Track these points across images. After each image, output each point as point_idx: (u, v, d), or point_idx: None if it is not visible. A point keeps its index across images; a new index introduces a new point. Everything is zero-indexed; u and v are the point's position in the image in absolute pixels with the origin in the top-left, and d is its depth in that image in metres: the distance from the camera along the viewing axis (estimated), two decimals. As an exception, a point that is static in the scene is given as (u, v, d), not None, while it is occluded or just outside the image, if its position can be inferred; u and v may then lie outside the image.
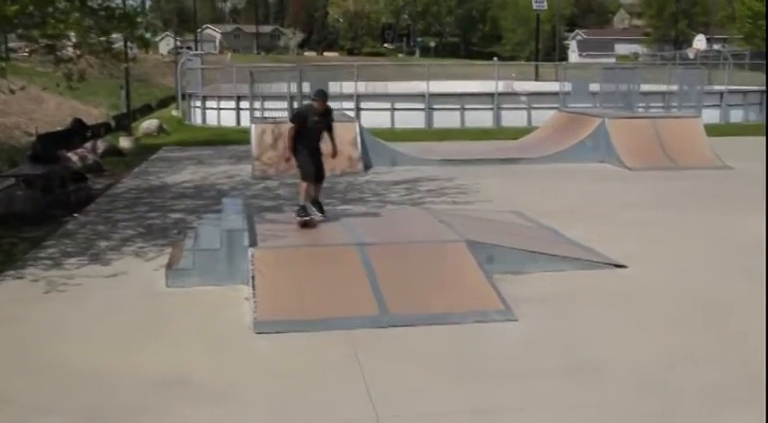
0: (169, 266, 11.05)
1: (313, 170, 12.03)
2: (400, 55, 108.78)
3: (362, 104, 31.24)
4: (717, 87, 34.56)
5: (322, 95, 12.18)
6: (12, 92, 17.85)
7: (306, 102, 14.83)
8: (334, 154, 12.34)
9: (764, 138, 28.38)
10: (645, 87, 28.92)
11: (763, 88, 36.09)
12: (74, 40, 14.92)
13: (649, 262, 11.48)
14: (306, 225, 11.85)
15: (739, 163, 21.13)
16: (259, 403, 7.06)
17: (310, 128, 11.92)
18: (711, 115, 30.91)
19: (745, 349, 8.40)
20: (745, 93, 35.85)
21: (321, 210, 12.14)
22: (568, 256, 11.45)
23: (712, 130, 24.29)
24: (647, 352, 8.35)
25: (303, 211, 11.86)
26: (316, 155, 12.13)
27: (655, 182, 18.80)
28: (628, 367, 7.92)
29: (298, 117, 12.32)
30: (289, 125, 12.39)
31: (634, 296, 10.21)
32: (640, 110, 26.32)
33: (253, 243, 10.45)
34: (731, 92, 35.03)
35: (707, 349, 8.43)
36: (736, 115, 34.63)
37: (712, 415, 6.90)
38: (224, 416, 6.81)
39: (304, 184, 12.01)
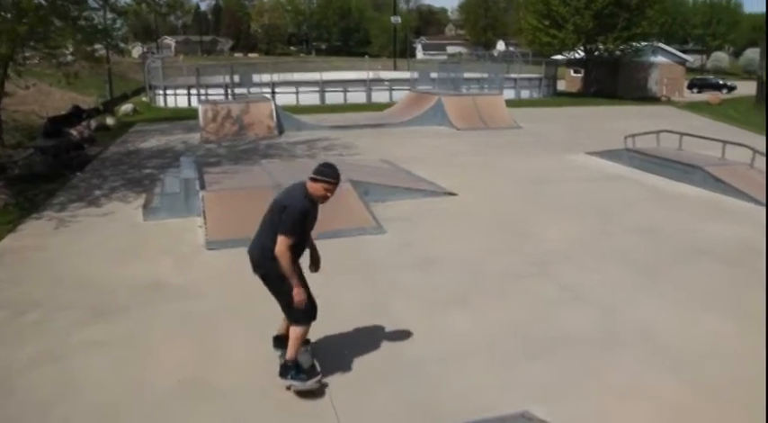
0: (145, 206, 10.78)
1: (312, 303, 5.03)
2: (301, 54, 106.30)
3: (276, 89, 30.67)
4: (512, 75, 35.13)
5: (335, 175, 4.88)
6: (27, 88, 17.39)
7: (294, 181, 5.01)
8: (317, 266, 5.36)
9: (549, 108, 29.19)
10: (467, 75, 29.24)
11: (540, 75, 36.88)
12: (70, 49, 14.39)
13: (470, 190, 11.74)
14: (314, 394, 4.97)
15: (526, 124, 21.70)
16: (213, 296, 7.03)
17: (305, 229, 4.94)
18: (509, 93, 31.51)
19: (528, 245, 8.77)
20: (530, 79, 36.57)
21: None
22: (418, 189, 11.60)
23: (510, 103, 24.77)
24: (468, 249, 8.61)
25: (300, 370, 4.99)
26: (302, 275, 4.97)
27: (473, 137, 19.12)
28: (457, 259, 8.17)
29: (300, 218, 4.76)
30: (282, 239, 4.68)
31: (461, 213, 10.46)
32: (464, 90, 26.61)
33: (202, 187, 10.23)
34: (521, 78, 35.69)
35: (505, 245, 8.75)
36: (525, 94, 35.37)
37: (505, 285, 7.23)
38: (190, 307, 6.74)
39: (300, 330, 4.98)
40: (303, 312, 4.95)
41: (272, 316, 5.18)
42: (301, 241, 4.93)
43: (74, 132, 18.78)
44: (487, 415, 4.56)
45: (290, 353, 5.04)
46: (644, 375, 5.20)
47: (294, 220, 4.70)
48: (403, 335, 5.98)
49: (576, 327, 6.12)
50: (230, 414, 4.72)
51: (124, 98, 36.65)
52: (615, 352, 5.60)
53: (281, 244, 4.69)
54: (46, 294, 7.16)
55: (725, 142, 12.93)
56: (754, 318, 6.23)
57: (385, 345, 5.76)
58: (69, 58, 14.96)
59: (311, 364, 5.10)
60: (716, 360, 5.43)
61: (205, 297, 7.00)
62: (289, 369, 5.04)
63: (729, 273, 7.61)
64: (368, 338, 5.85)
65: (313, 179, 4.86)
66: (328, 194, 4.87)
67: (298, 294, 4.81)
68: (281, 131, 20.17)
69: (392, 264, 8.01)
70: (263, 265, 4.90)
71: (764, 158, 11.89)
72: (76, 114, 21.06)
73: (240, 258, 8.14)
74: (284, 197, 4.95)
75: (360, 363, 5.43)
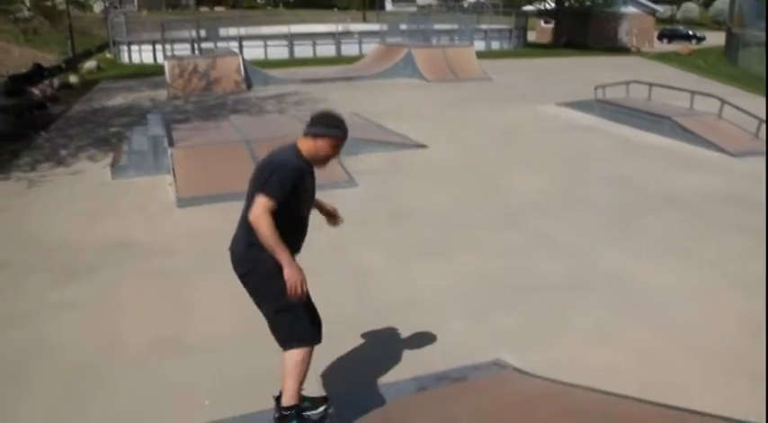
0: (113, 165, 10.64)
1: (315, 313, 3.64)
2: (269, 7, 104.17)
3: (244, 43, 30.16)
4: (483, 26, 34.89)
5: (344, 126, 3.57)
6: None
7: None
8: (336, 217, 4.40)
9: (519, 59, 29.05)
10: (437, 27, 28.96)
11: (510, 26, 36.61)
12: (28, 4, 13.95)
13: (440, 143, 11.73)
14: None
15: (497, 76, 21.65)
16: (184, 254, 6.98)
17: (299, 202, 3.52)
18: (479, 45, 31.33)
19: (499, 196, 8.83)
20: (500, 30, 36.37)
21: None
22: (389, 141, 11.55)
23: (480, 55, 24.65)
24: (441, 200, 8.65)
25: (302, 417, 3.46)
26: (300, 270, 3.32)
27: (444, 89, 19.03)
28: (429, 211, 8.21)
29: (291, 177, 3.37)
30: (261, 200, 3.28)
31: (433, 165, 10.46)
32: (434, 42, 26.37)
33: (171, 144, 10.10)
34: (492, 30, 35.47)
35: (477, 197, 8.80)
36: (495, 45, 35.20)
37: (477, 236, 7.29)
38: (161, 265, 6.69)
39: (299, 355, 3.40)
40: (303, 328, 3.43)
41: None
42: (295, 219, 3.49)
43: (36, 91, 18.34)
44: (460, 363, 4.62)
45: (286, 396, 3.41)
46: (614, 321, 5.30)
47: (282, 177, 3.31)
48: (376, 285, 6.02)
49: (547, 275, 6.20)
50: (206, 370, 4.73)
51: (88, 55, 35.63)
52: (586, 299, 5.70)
53: (259, 206, 3.26)
54: (16, 255, 7.06)
55: (693, 92, 13.01)
56: (721, 264, 6.38)
57: (357, 295, 5.80)
58: (27, 13, 14.49)
59: (320, 417, 3.54)
60: (684, 306, 5.55)
61: (176, 254, 6.95)
62: (287, 418, 3.44)
63: (696, 221, 7.74)
64: (340, 290, 5.86)
65: (315, 135, 3.48)
66: (335, 153, 3.57)
67: (291, 276, 3.23)
68: (249, 86, 19.93)
69: (365, 217, 8.00)
70: (247, 258, 3.49)
71: (733, 109, 12.01)
72: (38, 72, 20.52)
73: (211, 215, 8.15)
74: (268, 157, 3.55)
75: (331, 313, 5.44)
